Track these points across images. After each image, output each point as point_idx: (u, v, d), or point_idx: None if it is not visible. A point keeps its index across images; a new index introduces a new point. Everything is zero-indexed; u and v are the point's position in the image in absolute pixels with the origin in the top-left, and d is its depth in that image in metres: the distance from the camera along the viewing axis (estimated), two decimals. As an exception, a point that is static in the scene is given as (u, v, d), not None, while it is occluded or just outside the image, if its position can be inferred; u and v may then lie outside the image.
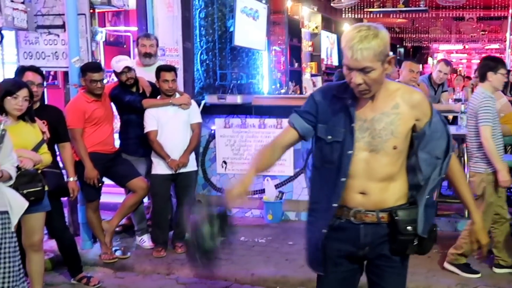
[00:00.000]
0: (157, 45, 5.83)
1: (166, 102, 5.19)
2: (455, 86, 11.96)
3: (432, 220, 2.48)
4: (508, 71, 6.25)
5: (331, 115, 2.43)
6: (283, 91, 9.60)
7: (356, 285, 2.64)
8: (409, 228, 2.39)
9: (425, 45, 21.65)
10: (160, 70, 5.19)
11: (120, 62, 5.27)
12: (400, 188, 2.44)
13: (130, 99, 5.23)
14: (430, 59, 22.76)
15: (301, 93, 10.28)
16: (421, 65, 12.81)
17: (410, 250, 2.46)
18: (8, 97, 3.73)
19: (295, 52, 10.98)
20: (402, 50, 20.24)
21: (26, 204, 3.47)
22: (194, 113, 5.36)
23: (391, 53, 2.35)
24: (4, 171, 3.23)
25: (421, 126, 2.39)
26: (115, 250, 5.27)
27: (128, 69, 5.24)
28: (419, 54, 21.11)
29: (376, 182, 2.39)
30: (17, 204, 3.39)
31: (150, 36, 5.83)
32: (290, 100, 7.03)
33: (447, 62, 7.10)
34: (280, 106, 6.53)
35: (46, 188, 3.90)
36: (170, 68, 5.22)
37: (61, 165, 4.63)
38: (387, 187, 2.40)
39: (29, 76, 4.29)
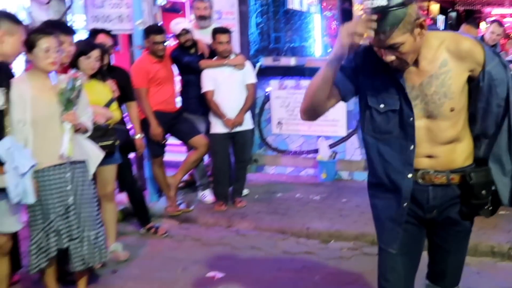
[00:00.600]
0: (211, 8, 5.93)
1: (222, 63, 5.34)
2: (508, 50, 11.70)
3: None
4: None
5: (378, 81, 2.20)
6: (334, 55, 9.61)
7: (422, 246, 2.45)
8: (483, 192, 2.22)
9: (477, 9, 21.04)
10: (215, 32, 5.33)
11: (178, 24, 5.47)
12: (469, 146, 2.26)
13: (188, 60, 5.42)
14: (483, 23, 22.13)
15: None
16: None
17: (482, 213, 2.31)
18: (82, 57, 3.99)
19: (346, 16, 10.90)
20: (454, 14, 19.73)
21: (102, 154, 3.69)
22: (249, 74, 5.48)
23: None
24: (82, 124, 3.44)
25: (476, 76, 2.13)
26: (179, 204, 5.53)
27: (186, 31, 5.42)
28: (471, 18, 20.55)
29: (442, 146, 2.20)
30: (94, 154, 3.62)
31: None
32: (342, 62, 7.07)
33: (500, 23, 6.98)
34: (333, 68, 6.58)
35: (117, 142, 4.16)
36: (225, 30, 5.35)
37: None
38: (454, 148, 2.21)
39: (101, 38, 4.55)
